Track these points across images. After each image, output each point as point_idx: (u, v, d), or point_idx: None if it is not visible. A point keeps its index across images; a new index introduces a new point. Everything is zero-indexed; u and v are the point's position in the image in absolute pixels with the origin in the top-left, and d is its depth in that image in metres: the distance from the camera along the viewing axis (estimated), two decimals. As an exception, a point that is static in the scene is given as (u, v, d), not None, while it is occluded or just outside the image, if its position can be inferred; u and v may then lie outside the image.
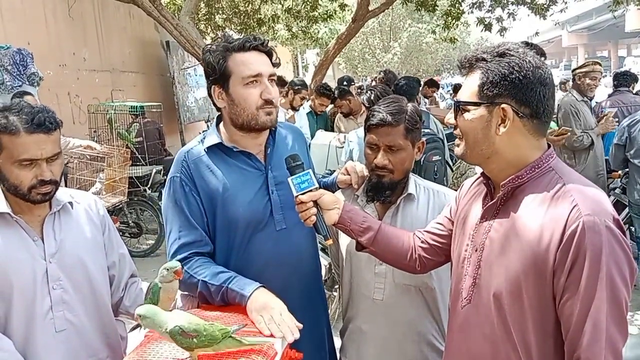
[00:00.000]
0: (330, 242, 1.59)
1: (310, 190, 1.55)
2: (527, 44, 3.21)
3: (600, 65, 4.87)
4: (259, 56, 1.71)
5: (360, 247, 1.64)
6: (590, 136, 4.56)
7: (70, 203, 1.72)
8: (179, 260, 1.66)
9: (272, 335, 1.41)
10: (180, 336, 1.28)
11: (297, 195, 1.54)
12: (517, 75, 1.21)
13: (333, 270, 3.12)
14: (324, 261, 3.19)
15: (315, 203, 1.55)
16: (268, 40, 1.76)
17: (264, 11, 11.04)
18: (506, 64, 1.22)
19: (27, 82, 6.01)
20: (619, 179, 4.79)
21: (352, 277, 1.88)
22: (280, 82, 5.86)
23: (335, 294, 3.69)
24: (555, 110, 5.06)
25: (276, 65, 1.78)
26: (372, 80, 4.93)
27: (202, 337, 1.28)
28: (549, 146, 1.28)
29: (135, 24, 9.21)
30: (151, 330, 1.48)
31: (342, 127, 5.95)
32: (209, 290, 1.62)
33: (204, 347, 1.30)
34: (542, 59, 1.27)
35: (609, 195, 4.69)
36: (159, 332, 1.31)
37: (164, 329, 1.29)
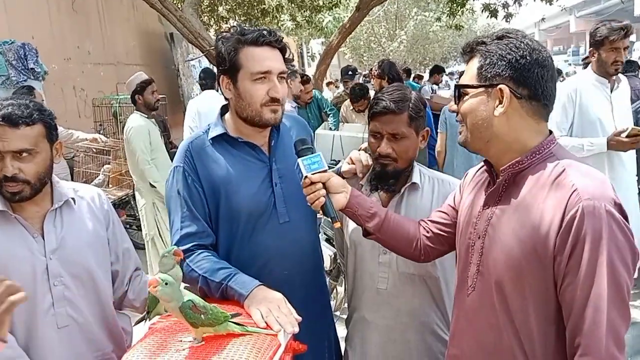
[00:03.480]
0: (338, 224, 1.56)
1: (320, 172, 1.53)
2: None
3: None
4: (271, 52, 1.69)
5: (366, 233, 1.63)
6: None
7: (74, 199, 1.71)
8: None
9: (268, 328, 1.40)
10: (190, 310, 1.30)
11: (307, 175, 1.52)
12: (515, 55, 1.22)
13: (338, 261, 3.13)
14: (329, 251, 3.20)
15: (324, 186, 1.53)
16: (280, 36, 1.73)
17: (267, 1, 10.98)
18: (504, 45, 1.23)
19: (32, 77, 6.03)
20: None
21: (356, 266, 1.88)
22: (304, 79, 5.78)
23: (340, 287, 3.70)
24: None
25: (288, 60, 1.76)
26: (369, 72, 4.81)
27: (208, 314, 1.32)
28: (550, 132, 1.27)
29: (139, 16, 9.21)
30: (155, 323, 1.50)
31: (349, 119, 5.93)
32: (208, 287, 1.61)
33: (208, 325, 1.33)
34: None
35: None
36: (170, 305, 1.33)
37: (178, 301, 1.31)
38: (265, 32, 1.69)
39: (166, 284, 1.30)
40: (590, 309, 1.10)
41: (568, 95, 3.20)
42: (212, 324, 1.33)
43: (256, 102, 1.67)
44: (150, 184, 4.35)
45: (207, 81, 5.67)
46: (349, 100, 5.98)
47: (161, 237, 4.42)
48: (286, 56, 1.75)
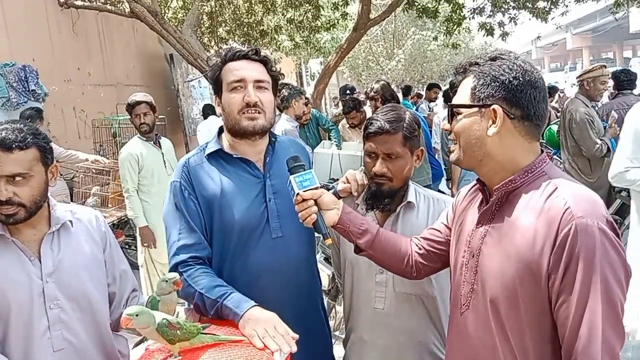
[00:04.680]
0: (329, 241, 1.58)
1: (312, 189, 1.55)
2: None
3: (606, 67, 4.84)
4: (248, 64, 1.77)
5: (358, 250, 1.64)
6: (607, 143, 4.52)
7: (71, 221, 1.71)
8: (178, 264, 1.69)
9: (265, 348, 1.40)
10: (167, 328, 1.35)
11: (299, 193, 1.54)
12: (508, 77, 1.23)
13: (337, 280, 3.11)
14: (328, 271, 3.19)
15: (315, 202, 1.55)
16: (259, 49, 1.81)
17: (266, 22, 11.10)
18: (497, 67, 1.25)
19: (32, 99, 6.07)
20: (625, 182, 4.74)
21: (353, 286, 1.88)
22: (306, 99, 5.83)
23: (339, 307, 3.68)
24: (561, 116, 5.02)
25: (274, 72, 1.82)
26: (365, 95, 4.80)
27: (183, 329, 1.37)
28: (542, 151, 1.29)
29: (138, 38, 9.29)
30: (151, 344, 1.50)
31: (347, 137, 5.96)
32: (204, 303, 1.62)
33: (184, 339, 1.38)
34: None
35: (615, 198, 4.65)
36: (148, 330, 1.36)
37: (154, 324, 1.34)
38: (244, 48, 1.78)
39: (137, 315, 1.33)
40: (585, 326, 1.10)
41: None
42: (187, 338, 1.38)
43: (234, 110, 1.74)
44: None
45: (208, 111, 7.71)
46: (345, 120, 6.02)
47: (152, 262, 4.38)
48: (271, 68, 1.81)
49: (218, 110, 1.82)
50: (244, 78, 1.73)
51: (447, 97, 7.61)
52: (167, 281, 1.49)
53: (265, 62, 1.80)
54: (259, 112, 1.74)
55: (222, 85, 1.77)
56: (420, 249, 1.61)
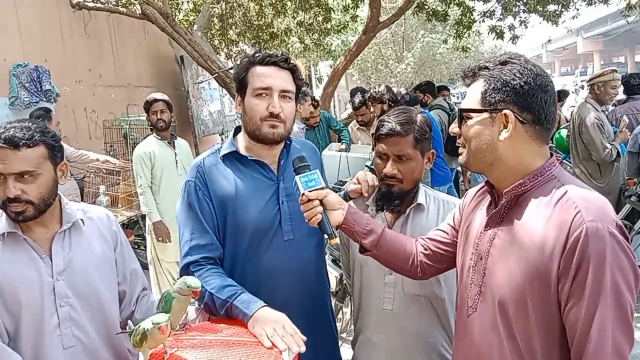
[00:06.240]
0: (335, 241, 1.57)
1: (317, 189, 1.56)
2: None
3: (617, 72, 4.82)
4: (277, 71, 1.76)
5: (363, 250, 1.65)
6: (617, 148, 4.50)
7: (82, 220, 1.72)
8: (190, 263, 1.71)
9: (273, 347, 1.41)
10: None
11: (304, 193, 1.55)
12: (519, 81, 1.23)
13: (345, 281, 3.12)
14: (335, 272, 3.19)
15: (321, 202, 1.56)
16: (289, 57, 1.81)
17: (276, 25, 11.12)
18: (508, 71, 1.25)
19: (44, 99, 6.13)
20: (635, 187, 4.71)
21: (362, 287, 1.89)
22: (313, 103, 5.83)
23: (346, 309, 3.68)
24: (571, 120, 5.00)
25: (300, 82, 1.83)
26: (371, 98, 4.76)
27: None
28: (551, 155, 1.29)
29: (149, 39, 9.34)
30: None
31: (355, 139, 5.96)
32: (214, 303, 1.64)
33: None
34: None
35: (625, 203, 4.61)
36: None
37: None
38: (274, 53, 1.77)
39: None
40: (595, 330, 1.10)
41: None
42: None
43: (256, 116, 1.74)
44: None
45: None
46: (354, 121, 6.02)
47: (159, 260, 4.44)
48: (298, 78, 1.81)
49: (239, 110, 1.83)
50: (271, 87, 1.74)
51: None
52: (188, 286, 1.49)
53: (293, 70, 1.81)
54: (280, 122, 1.75)
55: (246, 87, 1.78)
56: (425, 249, 1.62)
